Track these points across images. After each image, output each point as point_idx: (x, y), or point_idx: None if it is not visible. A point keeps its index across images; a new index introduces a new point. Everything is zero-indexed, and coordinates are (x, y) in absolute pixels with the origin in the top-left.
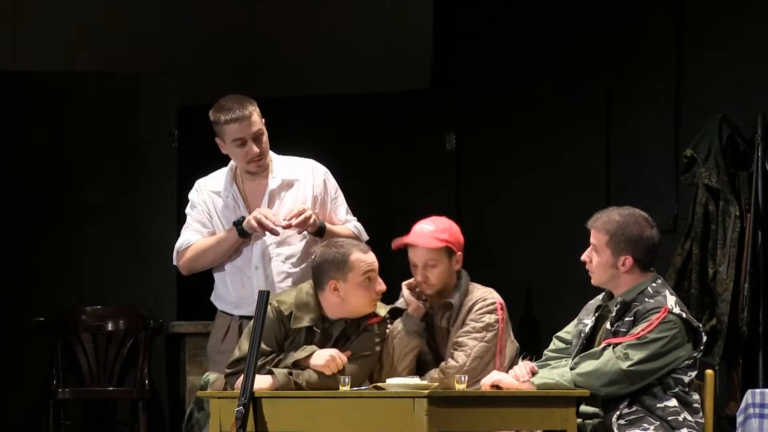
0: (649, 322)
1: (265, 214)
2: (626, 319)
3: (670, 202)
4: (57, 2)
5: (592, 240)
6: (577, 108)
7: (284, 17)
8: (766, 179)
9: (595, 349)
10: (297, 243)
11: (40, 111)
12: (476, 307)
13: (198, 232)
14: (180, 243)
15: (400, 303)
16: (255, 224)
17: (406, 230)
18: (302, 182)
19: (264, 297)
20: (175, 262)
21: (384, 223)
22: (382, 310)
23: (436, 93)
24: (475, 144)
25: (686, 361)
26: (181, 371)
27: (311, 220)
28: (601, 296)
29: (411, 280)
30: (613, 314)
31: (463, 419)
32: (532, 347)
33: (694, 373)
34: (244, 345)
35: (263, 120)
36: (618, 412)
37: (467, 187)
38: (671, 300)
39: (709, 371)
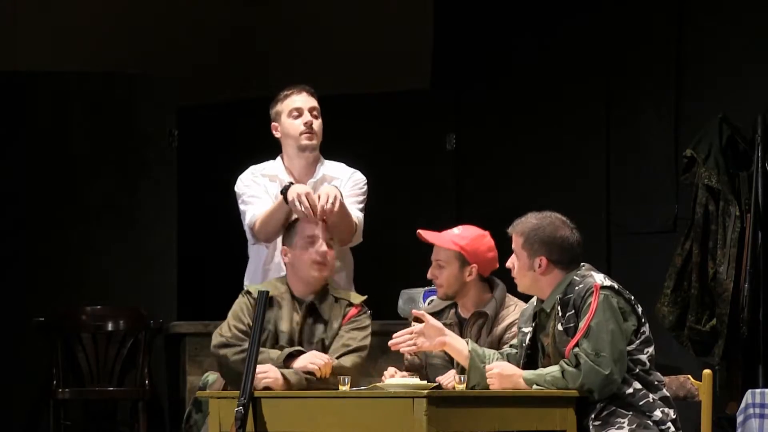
0: (590, 308)
1: (308, 193)
2: (569, 313)
3: (670, 202)
4: (57, 2)
5: (513, 245)
6: (578, 108)
7: (284, 17)
8: (766, 179)
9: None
10: None
11: (40, 111)
12: (515, 329)
13: (263, 203)
14: (250, 216)
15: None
16: (296, 199)
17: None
18: (340, 182)
19: (263, 297)
20: (251, 237)
21: (384, 224)
22: (357, 299)
23: (436, 93)
24: (475, 144)
25: (637, 338)
26: (181, 371)
27: (338, 200)
28: (534, 300)
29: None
30: (559, 314)
31: (462, 419)
32: None
33: (650, 349)
34: (224, 328)
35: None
36: (593, 414)
37: (467, 187)
38: (599, 276)
39: (707, 371)
